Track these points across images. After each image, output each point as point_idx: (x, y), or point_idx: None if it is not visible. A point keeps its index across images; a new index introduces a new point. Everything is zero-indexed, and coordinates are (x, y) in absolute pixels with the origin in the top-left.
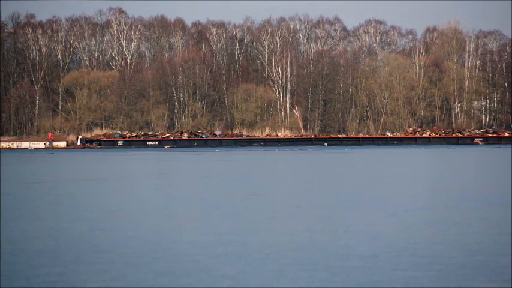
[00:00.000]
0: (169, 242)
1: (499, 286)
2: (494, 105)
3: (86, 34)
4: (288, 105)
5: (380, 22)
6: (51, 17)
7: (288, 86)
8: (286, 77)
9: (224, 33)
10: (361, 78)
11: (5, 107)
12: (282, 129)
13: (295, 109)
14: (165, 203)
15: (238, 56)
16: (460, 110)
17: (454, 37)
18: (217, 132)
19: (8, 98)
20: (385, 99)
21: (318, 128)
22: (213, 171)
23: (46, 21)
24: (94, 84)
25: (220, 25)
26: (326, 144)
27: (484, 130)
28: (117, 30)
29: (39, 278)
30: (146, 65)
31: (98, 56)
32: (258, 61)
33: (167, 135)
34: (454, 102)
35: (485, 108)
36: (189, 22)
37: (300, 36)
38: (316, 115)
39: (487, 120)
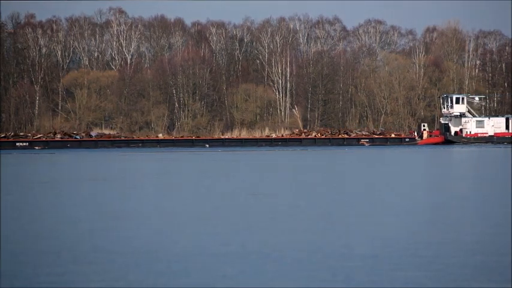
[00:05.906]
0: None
1: (499, 286)
2: (494, 105)
3: (85, 34)
4: (287, 105)
5: (380, 22)
6: (51, 17)
7: (288, 86)
8: (286, 77)
9: (224, 33)
10: (361, 78)
11: (5, 107)
12: (282, 129)
13: (295, 109)
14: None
15: (238, 56)
16: None
17: (454, 37)
18: (93, 133)
19: (8, 98)
20: (385, 99)
21: (318, 128)
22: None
23: (46, 21)
24: (94, 84)
25: (220, 25)
26: (207, 145)
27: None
28: (117, 30)
29: (39, 278)
30: (146, 65)
31: (98, 56)
32: (258, 61)
33: (39, 136)
34: None
35: (485, 108)
36: (188, 22)
37: (299, 36)
38: (316, 115)
39: None
